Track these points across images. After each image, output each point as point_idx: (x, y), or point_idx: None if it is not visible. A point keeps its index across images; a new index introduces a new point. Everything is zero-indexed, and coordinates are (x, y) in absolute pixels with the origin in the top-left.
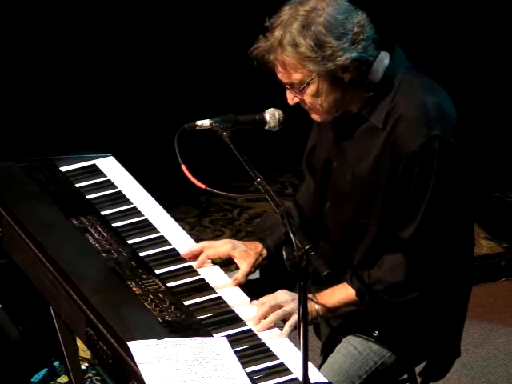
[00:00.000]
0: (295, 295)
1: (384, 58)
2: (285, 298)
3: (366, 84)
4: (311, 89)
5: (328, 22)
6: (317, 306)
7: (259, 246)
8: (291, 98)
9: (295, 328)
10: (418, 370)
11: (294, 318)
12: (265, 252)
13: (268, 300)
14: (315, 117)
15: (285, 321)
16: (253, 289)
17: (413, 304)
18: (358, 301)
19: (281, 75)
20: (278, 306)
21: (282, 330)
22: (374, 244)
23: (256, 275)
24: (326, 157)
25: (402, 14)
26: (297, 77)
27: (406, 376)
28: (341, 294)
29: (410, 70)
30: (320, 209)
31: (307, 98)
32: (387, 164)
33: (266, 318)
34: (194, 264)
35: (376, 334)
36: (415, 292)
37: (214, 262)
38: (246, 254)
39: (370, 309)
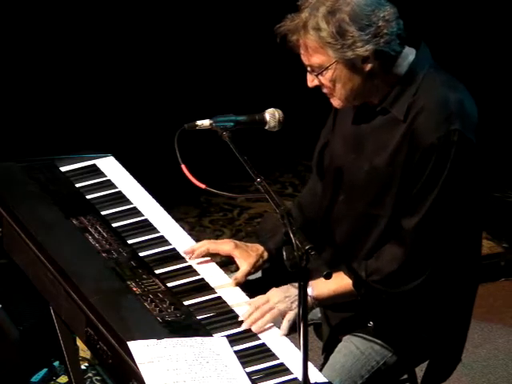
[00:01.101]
0: (288, 291)
1: (409, 54)
2: (278, 299)
3: (390, 77)
4: (329, 74)
5: (354, 12)
6: (310, 294)
7: (260, 248)
8: (311, 80)
9: (294, 323)
10: (417, 370)
11: (291, 312)
12: (266, 254)
13: (261, 303)
14: (334, 102)
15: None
16: (254, 289)
17: (410, 297)
18: (355, 291)
19: (302, 56)
20: (271, 309)
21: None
22: (381, 237)
23: (257, 275)
24: (341, 149)
25: (430, 11)
26: (317, 60)
27: (405, 376)
28: (335, 282)
29: (435, 66)
30: (331, 203)
31: (325, 82)
32: (404, 155)
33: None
34: (194, 263)
35: (371, 324)
36: (411, 283)
37: (213, 262)
38: (246, 254)
39: (366, 301)
